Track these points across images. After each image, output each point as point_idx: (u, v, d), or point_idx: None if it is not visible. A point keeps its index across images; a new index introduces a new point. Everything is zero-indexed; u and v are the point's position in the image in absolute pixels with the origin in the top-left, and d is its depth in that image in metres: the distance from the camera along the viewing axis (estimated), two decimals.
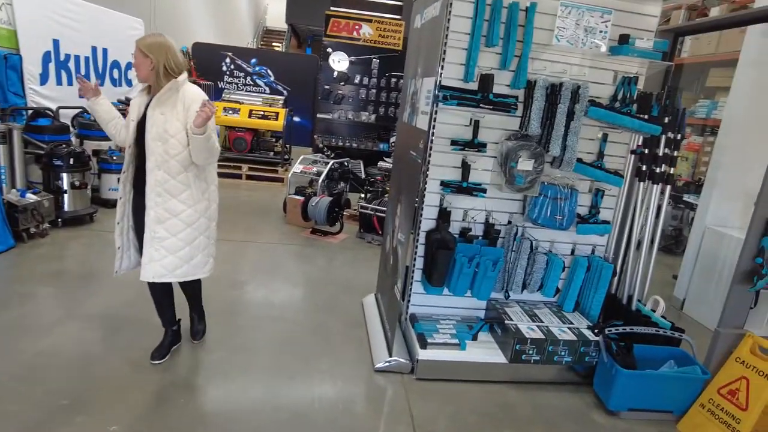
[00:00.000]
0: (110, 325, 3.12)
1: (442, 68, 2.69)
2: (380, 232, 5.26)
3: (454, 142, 2.89)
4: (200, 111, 2.35)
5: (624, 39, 2.73)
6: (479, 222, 3.09)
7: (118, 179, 2.70)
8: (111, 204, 5.61)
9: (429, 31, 2.88)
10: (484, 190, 2.95)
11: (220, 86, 10.59)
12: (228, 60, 10.81)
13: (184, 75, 2.54)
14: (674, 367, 2.85)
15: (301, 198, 5.47)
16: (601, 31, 2.69)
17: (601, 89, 3.00)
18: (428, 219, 3.02)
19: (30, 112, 5.30)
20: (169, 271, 2.61)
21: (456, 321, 3.19)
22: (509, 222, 3.13)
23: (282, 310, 3.62)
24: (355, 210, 6.14)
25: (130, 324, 3.15)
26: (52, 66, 5.96)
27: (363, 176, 7.40)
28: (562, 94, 2.78)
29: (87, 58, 6.83)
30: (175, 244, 2.58)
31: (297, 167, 5.92)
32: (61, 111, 5.82)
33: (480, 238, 3.08)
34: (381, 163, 6.34)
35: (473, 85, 2.82)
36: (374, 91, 7.90)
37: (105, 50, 7.25)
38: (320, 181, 5.72)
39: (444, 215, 2.99)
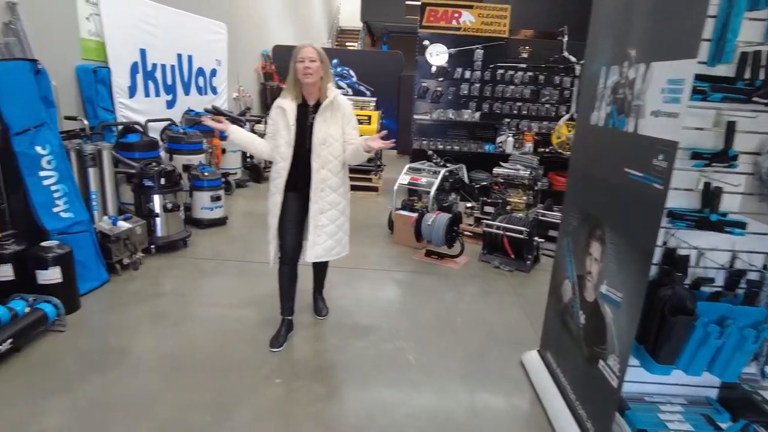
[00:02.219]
0: (221, 385, 2.50)
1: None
2: (512, 255, 4.37)
3: (696, 155, 1.97)
4: (377, 140, 2.70)
5: None
6: (722, 268, 2.15)
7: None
8: (204, 224, 5.13)
9: None
10: (743, 225, 1.99)
11: None
12: None
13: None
14: None
15: (413, 215, 4.69)
16: None
17: None
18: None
19: (120, 128, 4.93)
20: (328, 252, 2.97)
21: (681, 405, 2.26)
22: (765, 267, 2.16)
23: (421, 374, 2.83)
24: (471, 225, 5.28)
25: (236, 384, 2.51)
26: (140, 77, 5.59)
27: (467, 182, 6.53)
28: None
29: (173, 67, 6.44)
30: (333, 230, 2.96)
31: (403, 177, 5.16)
32: (149, 124, 5.44)
33: (724, 292, 2.13)
34: (497, 170, 5.44)
35: (723, 70, 1.89)
36: (477, 85, 6.96)
37: (190, 57, 6.86)
38: (432, 193, 4.92)
39: (676, 261, 2.07)
